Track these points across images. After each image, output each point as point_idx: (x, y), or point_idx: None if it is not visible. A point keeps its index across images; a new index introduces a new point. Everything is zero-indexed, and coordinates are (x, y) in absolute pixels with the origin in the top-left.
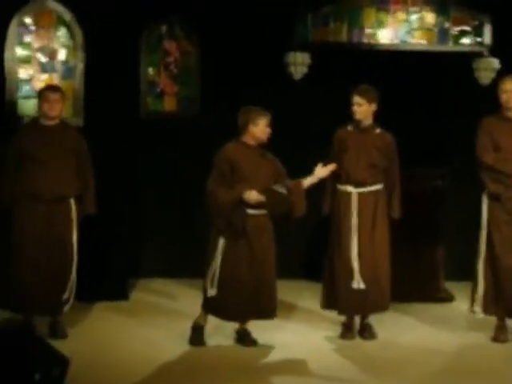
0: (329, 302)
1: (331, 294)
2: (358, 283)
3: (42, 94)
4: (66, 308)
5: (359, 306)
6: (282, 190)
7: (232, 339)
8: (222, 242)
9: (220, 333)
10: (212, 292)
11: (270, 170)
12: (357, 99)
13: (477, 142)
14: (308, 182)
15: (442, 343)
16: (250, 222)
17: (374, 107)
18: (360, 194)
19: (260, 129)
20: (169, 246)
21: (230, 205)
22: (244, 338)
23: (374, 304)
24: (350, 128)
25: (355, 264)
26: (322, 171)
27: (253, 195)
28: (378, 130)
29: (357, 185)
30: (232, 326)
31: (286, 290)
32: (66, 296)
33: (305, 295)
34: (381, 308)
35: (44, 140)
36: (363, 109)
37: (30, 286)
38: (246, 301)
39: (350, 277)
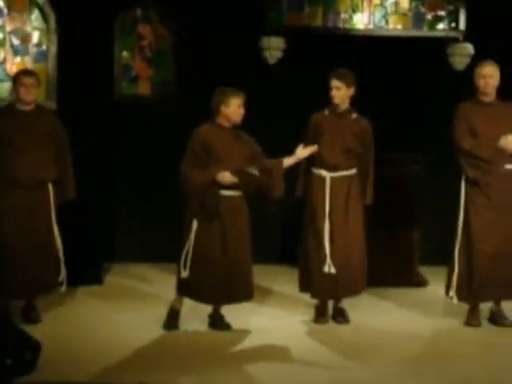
0: (305, 285)
1: (307, 277)
2: (328, 267)
3: (17, 79)
4: (64, 289)
5: (331, 290)
6: (254, 171)
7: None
8: (195, 223)
9: (196, 318)
10: (184, 274)
11: (244, 152)
12: (335, 83)
13: (454, 128)
14: (288, 161)
15: (415, 328)
16: (223, 203)
17: (352, 91)
18: (333, 178)
19: (232, 110)
20: (144, 231)
21: (203, 186)
22: (217, 322)
23: (345, 288)
24: (326, 112)
25: (327, 248)
26: (302, 152)
27: (226, 176)
28: (354, 115)
29: (330, 169)
30: (208, 310)
31: (262, 275)
32: (60, 278)
33: (280, 280)
34: (353, 292)
35: (20, 125)
36: (342, 93)
37: (13, 270)
38: (219, 283)
39: (322, 261)
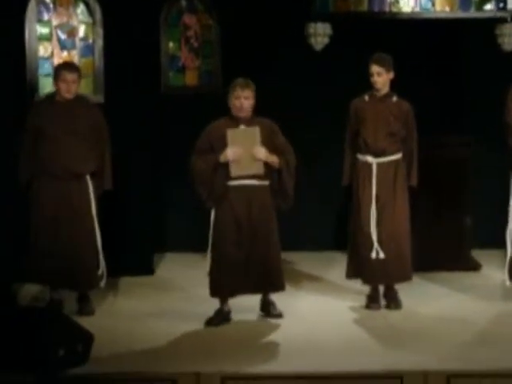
0: (353, 272)
1: (355, 264)
2: (376, 253)
3: (58, 73)
4: (102, 284)
5: (380, 275)
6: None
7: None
8: (212, 215)
9: (247, 306)
10: (207, 269)
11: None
12: (376, 68)
13: (506, 108)
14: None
15: (467, 312)
16: (236, 194)
17: (391, 75)
18: (379, 164)
19: (231, 102)
20: (194, 221)
21: (207, 172)
22: (269, 309)
23: (395, 274)
24: (366, 97)
25: (374, 234)
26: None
27: (231, 151)
28: (394, 99)
29: (376, 154)
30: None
31: (315, 261)
32: (100, 272)
33: (333, 266)
34: (403, 278)
35: (59, 117)
36: (383, 78)
37: (53, 263)
38: (237, 276)
39: (370, 247)
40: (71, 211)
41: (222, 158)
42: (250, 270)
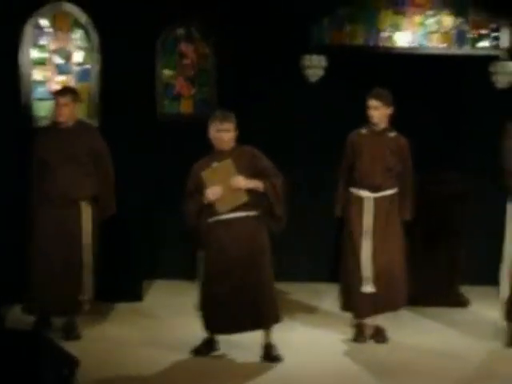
0: (346, 305)
1: (347, 297)
2: (367, 287)
3: (54, 99)
4: (86, 308)
5: (370, 309)
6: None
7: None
8: (201, 254)
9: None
10: (199, 308)
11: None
12: (373, 102)
13: (501, 148)
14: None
15: (455, 348)
16: (222, 227)
17: (390, 110)
18: (375, 199)
19: (212, 135)
20: (185, 248)
21: (195, 215)
22: (267, 353)
23: (385, 304)
24: (363, 131)
25: (366, 268)
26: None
27: (210, 191)
28: (392, 134)
29: (372, 189)
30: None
31: (309, 292)
32: (82, 297)
33: (326, 297)
34: (392, 307)
35: (57, 143)
36: (380, 112)
37: (44, 288)
38: (228, 313)
39: (360, 281)
40: (63, 237)
41: (205, 201)
42: (243, 306)
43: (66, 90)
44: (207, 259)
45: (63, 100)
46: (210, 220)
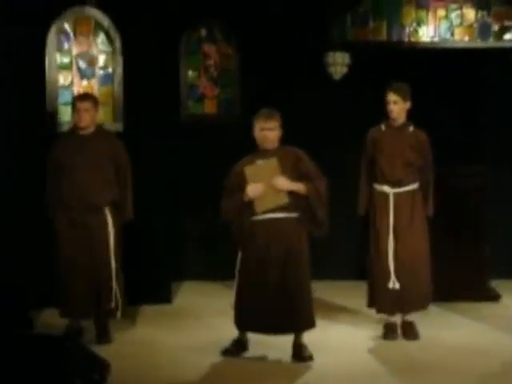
0: (372, 301)
1: (374, 293)
2: (393, 283)
3: (73, 104)
4: (118, 315)
5: (396, 305)
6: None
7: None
8: (239, 254)
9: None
10: (235, 305)
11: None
12: (392, 97)
13: None
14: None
15: (486, 344)
16: (261, 228)
17: (408, 105)
18: (396, 194)
19: (256, 134)
20: (213, 249)
21: (234, 212)
22: (297, 352)
23: (412, 303)
24: (383, 127)
25: (391, 264)
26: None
27: (250, 188)
28: (411, 128)
29: (393, 185)
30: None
31: (337, 290)
32: (113, 305)
33: (354, 295)
34: (419, 307)
35: (77, 150)
36: (399, 106)
37: (73, 293)
38: (264, 313)
39: (387, 277)
40: (89, 243)
41: (245, 198)
42: (279, 308)
43: (86, 96)
44: (244, 258)
45: (84, 105)
46: (250, 219)
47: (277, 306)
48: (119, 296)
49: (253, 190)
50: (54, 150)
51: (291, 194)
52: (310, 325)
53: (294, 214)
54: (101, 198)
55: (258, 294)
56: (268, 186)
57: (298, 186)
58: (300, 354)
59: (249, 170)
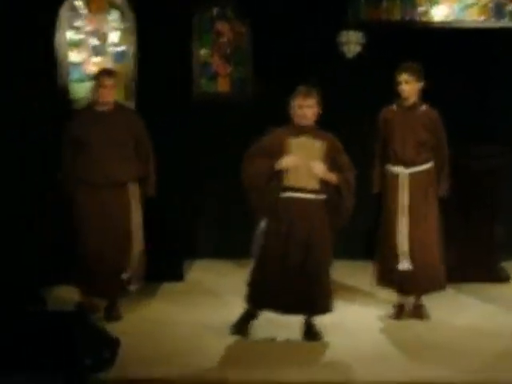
0: (382, 281)
1: (384, 273)
2: (404, 264)
3: (97, 80)
4: (132, 288)
5: (408, 286)
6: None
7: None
8: (263, 224)
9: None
10: (250, 281)
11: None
12: (404, 76)
13: None
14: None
15: (496, 325)
16: (291, 206)
17: (421, 85)
18: (410, 175)
19: (294, 111)
20: (225, 227)
21: (262, 176)
22: (307, 331)
23: (426, 284)
24: (394, 107)
25: (403, 245)
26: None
27: (289, 159)
28: (423, 107)
29: (406, 165)
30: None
31: (346, 270)
32: (127, 276)
33: (364, 275)
34: (435, 287)
35: (98, 126)
36: (411, 86)
37: (94, 270)
38: (280, 293)
39: (397, 258)
40: (111, 219)
41: (278, 164)
42: (296, 289)
43: (111, 72)
44: (265, 232)
45: (110, 82)
46: (277, 192)
47: (295, 286)
48: (137, 270)
49: (291, 160)
50: (72, 126)
51: (322, 180)
52: (327, 309)
53: (322, 197)
54: (123, 174)
55: (277, 271)
56: (305, 164)
57: (332, 177)
58: (310, 332)
59: (294, 142)
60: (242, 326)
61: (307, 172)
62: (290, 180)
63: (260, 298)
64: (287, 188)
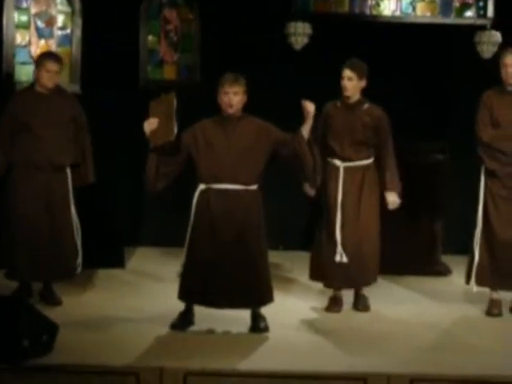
0: (316, 274)
1: (318, 266)
2: (340, 257)
3: (40, 63)
4: (78, 271)
5: (342, 279)
6: None
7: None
8: (191, 215)
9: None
10: (180, 275)
11: (243, 142)
12: (347, 73)
13: (476, 117)
14: (305, 128)
15: (434, 317)
16: (217, 199)
17: (363, 83)
18: (347, 168)
19: (220, 98)
20: (167, 215)
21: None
22: (253, 324)
23: (357, 278)
24: (338, 103)
25: (338, 237)
26: (308, 105)
27: (147, 122)
28: (366, 106)
29: (343, 159)
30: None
31: (283, 261)
32: (78, 262)
33: (300, 266)
34: (364, 283)
35: (39, 108)
36: (353, 84)
37: (31, 253)
38: (212, 285)
39: (334, 250)
40: (51, 202)
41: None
42: (232, 281)
43: (57, 58)
44: (195, 223)
45: (54, 67)
46: (204, 187)
47: (227, 278)
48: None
49: (148, 123)
50: (11, 105)
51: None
52: (268, 299)
53: (252, 187)
54: (64, 158)
55: (205, 262)
56: (163, 120)
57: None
58: (256, 325)
59: (152, 104)
60: (180, 323)
61: (163, 127)
62: (152, 142)
63: (192, 292)
64: (209, 180)
